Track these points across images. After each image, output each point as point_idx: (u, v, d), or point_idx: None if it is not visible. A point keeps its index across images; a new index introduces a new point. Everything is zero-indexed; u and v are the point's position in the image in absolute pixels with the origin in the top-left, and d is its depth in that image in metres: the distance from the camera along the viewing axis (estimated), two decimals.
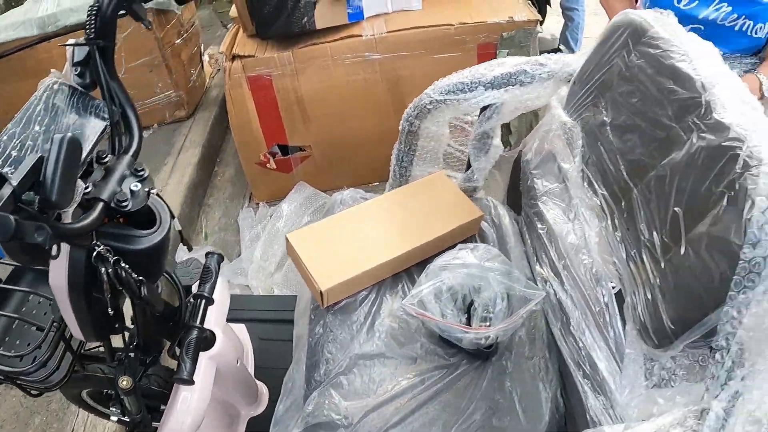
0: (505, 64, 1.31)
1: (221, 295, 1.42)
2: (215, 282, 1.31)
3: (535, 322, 1.26)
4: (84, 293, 0.91)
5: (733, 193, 0.81)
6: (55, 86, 0.99)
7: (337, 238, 1.35)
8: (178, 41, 2.82)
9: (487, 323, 1.20)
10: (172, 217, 1.43)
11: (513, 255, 1.33)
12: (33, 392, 1.21)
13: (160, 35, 2.70)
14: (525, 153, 1.42)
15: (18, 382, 1.13)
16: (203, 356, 1.26)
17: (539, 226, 1.29)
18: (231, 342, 1.36)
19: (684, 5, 1.48)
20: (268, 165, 2.41)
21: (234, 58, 2.23)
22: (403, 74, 2.24)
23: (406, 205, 1.39)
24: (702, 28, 1.48)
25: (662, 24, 1.06)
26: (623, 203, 1.05)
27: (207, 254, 1.38)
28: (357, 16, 2.23)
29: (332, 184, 2.49)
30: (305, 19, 2.17)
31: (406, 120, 1.38)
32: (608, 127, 1.11)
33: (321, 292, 1.27)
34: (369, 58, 2.21)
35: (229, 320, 1.75)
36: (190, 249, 1.40)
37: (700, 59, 0.97)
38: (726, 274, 0.78)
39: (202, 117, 2.96)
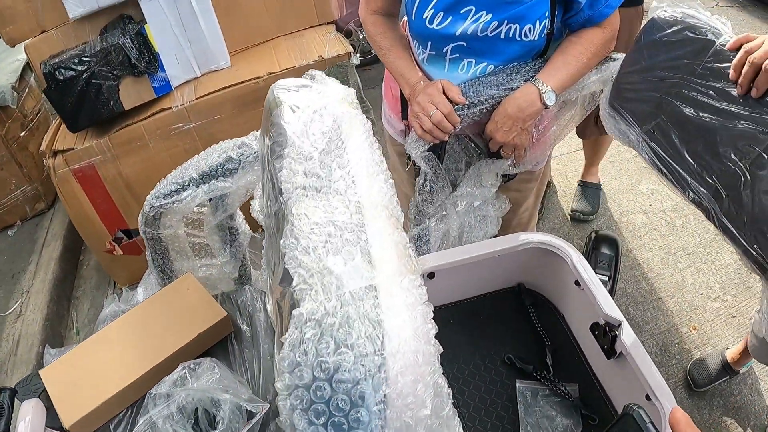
0: (215, 152, 1.24)
1: (32, 420, 1.37)
2: (9, 417, 1.28)
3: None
4: None
5: None
6: None
7: (87, 366, 1.29)
8: (23, 134, 2.74)
9: None
10: None
11: (263, 353, 1.26)
12: None
13: (2, 132, 2.63)
14: None
15: None
16: None
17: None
18: None
19: (437, 25, 1.31)
20: (115, 252, 2.34)
21: (56, 153, 2.17)
22: (222, 137, 2.14)
23: (152, 317, 1.32)
24: (465, 44, 1.33)
25: (294, 99, 0.91)
26: None
27: (1, 389, 1.35)
28: (164, 89, 2.16)
29: None
30: (111, 102, 2.10)
31: (141, 230, 1.31)
32: None
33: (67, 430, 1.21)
34: (184, 128, 2.14)
35: None
36: None
37: (288, 168, 0.81)
38: None
39: (62, 206, 2.89)
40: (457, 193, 1.46)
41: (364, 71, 2.09)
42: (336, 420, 0.56)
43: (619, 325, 1.31)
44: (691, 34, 1.16)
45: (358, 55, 2.16)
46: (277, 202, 0.80)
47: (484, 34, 1.29)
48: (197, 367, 1.14)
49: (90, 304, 2.55)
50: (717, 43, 1.12)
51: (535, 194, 1.76)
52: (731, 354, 1.97)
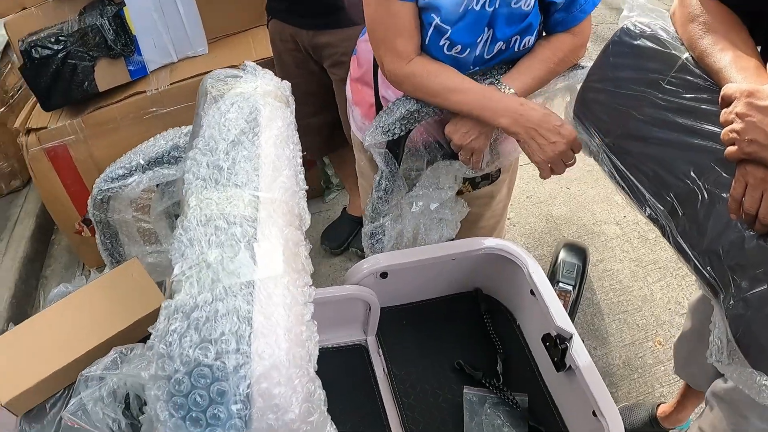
0: (163, 138, 1.24)
1: None
2: None
3: None
4: None
5: None
6: None
7: (28, 345, 1.29)
8: (2, 110, 2.73)
9: None
10: None
11: None
12: None
13: None
14: None
15: None
16: None
17: None
18: None
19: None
20: (83, 233, 2.33)
21: (29, 131, 2.16)
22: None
23: (95, 300, 1.32)
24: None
25: (219, 89, 0.93)
26: None
27: None
28: (140, 72, 2.14)
29: None
30: (86, 83, 2.09)
31: (90, 212, 1.31)
32: None
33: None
34: (157, 113, 2.13)
35: None
36: None
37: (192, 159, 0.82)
38: None
39: None
40: (413, 193, 1.44)
41: None
42: (194, 415, 0.55)
43: (570, 338, 1.29)
44: (658, 48, 1.13)
45: None
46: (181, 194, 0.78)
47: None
48: (129, 351, 1.13)
49: (58, 283, 2.52)
50: (682, 59, 1.10)
51: (507, 185, 1.72)
52: (663, 408, 1.86)
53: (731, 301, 0.99)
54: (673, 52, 1.10)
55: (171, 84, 2.11)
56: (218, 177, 0.74)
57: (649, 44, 1.13)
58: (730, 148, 0.91)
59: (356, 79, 1.54)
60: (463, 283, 1.64)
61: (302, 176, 0.79)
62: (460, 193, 1.54)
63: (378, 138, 1.31)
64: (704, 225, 1.06)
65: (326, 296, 1.44)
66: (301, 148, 1.13)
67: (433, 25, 1.22)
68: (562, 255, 2.13)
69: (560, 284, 2.01)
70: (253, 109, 0.85)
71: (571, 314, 2.00)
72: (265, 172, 0.75)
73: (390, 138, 1.31)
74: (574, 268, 2.07)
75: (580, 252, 2.13)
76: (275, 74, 2.07)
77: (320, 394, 0.61)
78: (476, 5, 1.18)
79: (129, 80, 2.13)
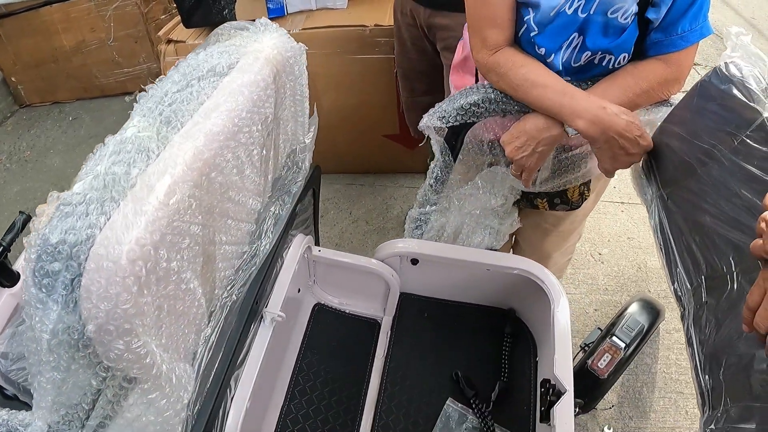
0: None
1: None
2: (16, 235, 1.44)
3: None
4: None
5: None
6: None
7: None
8: (162, 17, 2.98)
9: None
10: None
11: None
12: None
13: (145, 10, 2.87)
14: None
15: None
16: (4, 292, 1.40)
17: None
18: None
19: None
20: None
21: (169, 41, 2.34)
22: (318, 71, 2.24)
23: None
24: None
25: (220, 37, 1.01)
26: None
27: (20, 212, 1.51)
28: (278, 12, 2.24)
29: None
30: (225, 11, 2.22)
31: None
32: None
33: None
34: None
35: None
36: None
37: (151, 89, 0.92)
38: None
39: None
40: (463, 191, 1.40)
41: None
42: (36, 279, 0.64)
43: (564, 392, 1.19)
44: (742, 98, 0.94)
45: None
46: None
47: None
48: None
49: None
50: (763, 117, 0.91)
51: (585, 210, 1.56)
52: None
53: (712, 426, 0.85)
54: (756, 106, 0.91)
55: (302, 29, 2.18)
56: (154, 111, 0.82)
57: (734, 92, 0.94)
58: (756, 242, 0.70)
59: (459, 64, 1.49)
60: (498, 298, 1.57)
61: (254, 130, 0.85)
62: (535, 207, 1.46)
63: (433, 122, 1.27)
64: (721, 322, 0.91)
65: (347, 263, 1.44)
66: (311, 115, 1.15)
67: (526, 22, 1.16)
68: (632, 309, 1.95)
69: (613, 338, 1.85)
70: (228, 61, 0.93)
71: (615, 374, 1.85)
72: (196, 118, 0.82)
73: (445, 124, 1.26)
74: (636, 326, 1.89)
75: (652, 312, 1.94)
76: (394, 47, 2.10)
77: (130, 309, 0.66)
78: (569, 9, 1.09)
79: (266, 18, 2.23)
